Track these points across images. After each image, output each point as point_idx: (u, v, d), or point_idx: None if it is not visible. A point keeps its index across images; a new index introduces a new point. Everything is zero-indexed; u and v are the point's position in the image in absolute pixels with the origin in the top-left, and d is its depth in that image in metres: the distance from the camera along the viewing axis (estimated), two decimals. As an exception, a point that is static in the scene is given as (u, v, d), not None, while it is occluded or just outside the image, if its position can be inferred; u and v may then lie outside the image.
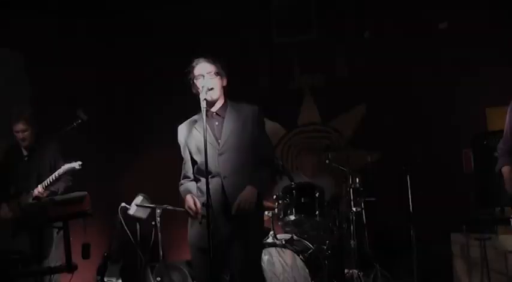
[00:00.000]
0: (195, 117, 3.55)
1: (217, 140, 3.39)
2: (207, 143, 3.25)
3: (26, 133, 5.16)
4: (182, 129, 3.56)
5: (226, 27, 6.62)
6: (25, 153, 5.27)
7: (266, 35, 6.80)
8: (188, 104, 3.59)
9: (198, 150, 3.41)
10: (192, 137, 3.47)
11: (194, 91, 3.48)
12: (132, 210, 5.50)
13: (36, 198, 4.91)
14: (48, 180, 4.91)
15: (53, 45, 6.38)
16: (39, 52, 6.21)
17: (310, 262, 4.87)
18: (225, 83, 3.52)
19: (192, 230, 3.43)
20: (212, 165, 3.30)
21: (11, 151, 5.39)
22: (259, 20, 6.82)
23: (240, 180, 3.36)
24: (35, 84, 6.24)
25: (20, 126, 5.14)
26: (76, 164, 4.86)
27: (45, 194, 4.93)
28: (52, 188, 4.98)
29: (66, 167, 4.87)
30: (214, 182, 3.31)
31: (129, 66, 7.00)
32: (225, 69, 3.53)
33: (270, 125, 6.75)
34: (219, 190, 3.28)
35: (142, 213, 5.55)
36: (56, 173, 4.88)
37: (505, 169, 3.58)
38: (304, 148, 6.52)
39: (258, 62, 6.82)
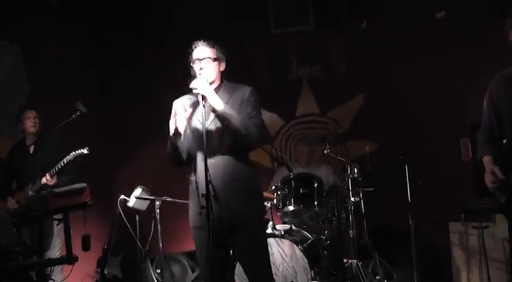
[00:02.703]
0: (190, 95, 3.53)
1: (205, 119, 3.35)
2: (196, 121, 3.39)
3: (36, 120, 5.37)
4: (176, 104, 3.56)
5: (224, 18, 6.60)
6: (30, 147, 5.41)
7: (264, 26, 6.78)
8: (184, 92, 3.61)
9: (188, 127, 3.44)
10: (183, 113, 3.46)
11: (192, 73, 3.48)
12: (132, 202, 5.51)
13: (44, 185, 5.02)
14: (56, 167, 5.03)
15: (51, 39, 6.38)
16: (38, 46, 6.21)
17: (309, 252, 4.90)
18: (222, 68, 3.52)
19: (190, 212, 3.49)
20: (199, 144, 3.33)
21: (16, 147, 5.54)
22: (257, 11, 6.80)
23: (221, 160, 3.37)
24: (32, 77, 6.25)
25: (33, 112, 5.37)
26: (84, 150, 4.99)
27: (52, 182, 5.04)
28: (57, 180, 5.08)
29: (75, 153, 4.98)
30: (199, 160, 3.36)
31: (128, 57, 7.00)
32: (224, 52, 3.52)
33: (268, 116, 6.80)
34: (202, 169, 3.25)
35: (142, 205, 5.57)
36: (64, 160, 5.01)
37: (486, 160, 3.39)
38: (298, 139, 6.52)
39: (256, 53, 6.82)
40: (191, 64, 3.47)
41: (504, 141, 3.38)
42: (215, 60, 3.46)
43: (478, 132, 3.61)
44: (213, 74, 3.46)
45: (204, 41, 3.49)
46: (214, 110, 3.35)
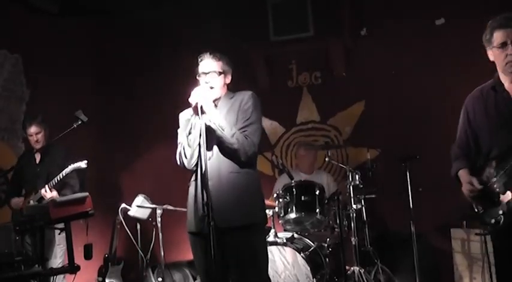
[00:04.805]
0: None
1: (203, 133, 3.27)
2: (197, 132, 3.28)
3: (38, 135, 5.34)
4: (183, 116, 3.48)
5: (223, 25, 6.60)
6: (37, 157, 5.42)
7: (263, 33, 6.78)
8: (188, 103, 3.59)
9: (194, 137, 3.36)
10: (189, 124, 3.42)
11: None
12: (133, 211, 5.51)
13: (44, 197, 5.02)
14: (55, 179, 5.03)
15: (51, 46, 6.39)
16: (37, 53, 6.22)
17: (312, 260, 4.89)
18: (228, 80, 3.49)
19: (188, 217, 3.44)
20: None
21: (23, 156, 5.59)
22: (256, 19, 6.80)
23: (219, 166, 3.33)
24: (32, 84, 6.26)
25: (33, 129, 5.32)
26: (82, 163, 4.96)
27: (50, 195, 5.00)
28: (60, 195, 5.05)
29: (73, 166, 4.96)
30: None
31: (128, 65, 7.01)
32: (230, 64, 3.50)
33: (268, 124, 6.80)
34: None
35: (143, 214, 5.56)
36: (63, 172, 4.98)
37: (463, 172, 3.38)
38: (300, 145, 6.50)
39: (255, 61, 6.82)
40: (197, 77, 3.43)
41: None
42: (221, 74, 3.43)
43: (452, 147, 3.56)
44: (218, 87, 3.43)
45: (210, 54, 3.44)
46: (208, 129, 3.24)
